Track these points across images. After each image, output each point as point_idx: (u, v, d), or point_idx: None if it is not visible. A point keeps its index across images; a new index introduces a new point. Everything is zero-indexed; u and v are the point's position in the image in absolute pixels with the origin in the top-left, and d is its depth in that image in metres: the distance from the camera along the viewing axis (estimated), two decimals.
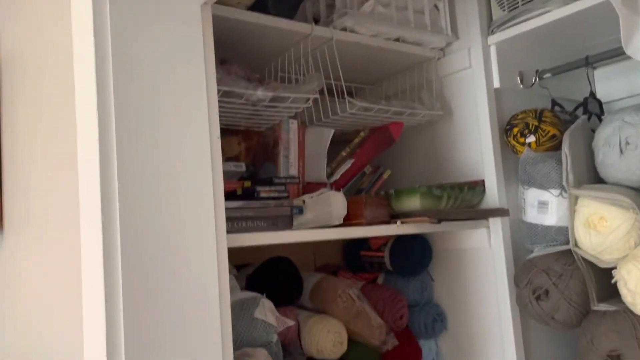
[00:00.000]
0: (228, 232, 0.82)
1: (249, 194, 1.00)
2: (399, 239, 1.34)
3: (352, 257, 1.46)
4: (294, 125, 1.16)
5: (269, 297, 1.00)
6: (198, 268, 0.78)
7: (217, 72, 0.83)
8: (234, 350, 0.88)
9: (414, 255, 1.31)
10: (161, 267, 0.75)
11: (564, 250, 1.09)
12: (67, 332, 0.86)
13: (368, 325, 1.18)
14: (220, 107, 0.87)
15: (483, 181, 1.24)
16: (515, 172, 1.25)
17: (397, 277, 1.36)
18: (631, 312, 0.97)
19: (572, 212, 1.06)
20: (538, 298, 1.06)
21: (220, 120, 0.82)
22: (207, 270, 0.79)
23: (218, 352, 0.79)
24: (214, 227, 0.81)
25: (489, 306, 1.23)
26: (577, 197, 1.07)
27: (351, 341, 1.18)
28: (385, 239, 1.38)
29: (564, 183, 1.07)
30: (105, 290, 0.71)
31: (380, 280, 1.40)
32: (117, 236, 0.72)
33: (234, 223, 0.93)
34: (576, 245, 1.06)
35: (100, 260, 0.71)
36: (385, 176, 1.32)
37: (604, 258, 1.02)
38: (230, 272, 0.98)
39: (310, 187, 1.13)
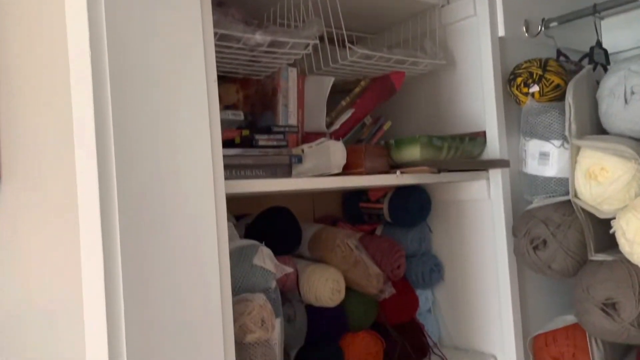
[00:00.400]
0: (226, 179, 0.81)
1: (247, 143, 0.99)
2: (398, 190, 1.34)
3: (351, 208, 1.46)
4: (293, 73, 1.14)
5: (267, 245, 1.01)
6: (196, 214, 0.78)
7: (214, 13, 0.80)
8: (233, 296, 0.89)
9: (413, 206, 1.31)
10: (159, 214, 0.74)
11: (564, 201, 1.08)
12: (65, 277, 0.86)
13: (366, 274, 1.19)
14: (217, 52, 0.84)
15: (484, 132, 1.22)
16: (517, 124, 1.23)
17: (396, 229, 1.37)
18: (628, 261, 0.98)
19: (573, 162, 1.06)
20: (536, 248, 1.06)
21: (217, 67, 0.80)
22: (205, 216, 0.79)
23: (217, 298, 0.80)
24: (211, 174, 0.80)
25: (486, 257, 1.24)
26: (578, 148, 1.06)
27: (349, 290, 1.20)
28: (384, 190, 1.37)
29: (566, 133, 1.06)
30: (102, 237, 0.70)
31: (378, 231, 1.41)
32: (114, 182, 0.71)
33: (232, 171, 0.92)
34: (576, 196, 1.06)
35: (97, 209, 0.71)
36: (385, 127, 1.31)
37: (603, 209, 1.02)
38: (229, 221, 0.98)
39: (310, 137, 1.11)
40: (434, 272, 1.32)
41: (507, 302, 1.19)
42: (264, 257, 0.97)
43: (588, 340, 1.05)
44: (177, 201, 0.76)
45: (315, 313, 1.15)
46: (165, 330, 0.74)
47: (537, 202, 1.13)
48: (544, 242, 1.06)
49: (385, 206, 1.36)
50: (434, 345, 1.30)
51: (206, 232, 0.79)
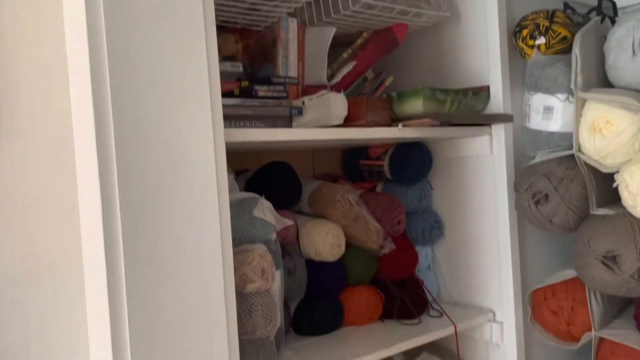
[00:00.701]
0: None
1: (246, 94, 0.97)
2: (400, 146, 1.33)
3: (352, 166, 1.45)
4: (293, 23, 1.11)
5: (267, 200, 1.00)
6: (196, 162, 0.77)
7: None
8: (233, 247, 0.89)
9: (414, 163, 1.30)
10: (158, 163, 0.73)
11: (567, 155, 1.07)
12: (63, 233, 0.86)
13: (366, 229, 1.19)
14: None
15: (488, 87, 1.20)
16: (521, 79, 1.21)
17: (396, 186, 1.36)
18: (630, 215, 0.97)
19: (577, 116, 1.04)
20: (537, 202, 1.06)
21: (215, 15, 0.78)
22: (205, 165, 0.78)
23: (217, 247, 0.79)
24: (210, 122, 0.79)
25: (487, 213, 1.24)
26: (584, 101, 1.04)
27: (349, 245, 1.20)
28: (385, 147, 1.36)
29: (572, 86, 1.04)
30: (101, 189, 0.69)
31: (379, 189, 1.40)
32: (111, 129, 0.70)
33: (232, 122, 0.90)
34: (579, 150, 1.05)
35: (95, 157, 0.69)
36: (387, 83, 1.28)
37: (606, 162, 1.01)
38: (228, 173, 0.97)
39: (310, 90, 1.09)
40: (434, 228, 1.32)
41: (506, 258, 1.19)
42: (264, 209, 0.96)
43: (587, 294, 1.05)
44: (176, 149, 0.75)
45: (315, 267, 1.15)
46: (165, 279, 0.73)
47: (540, 157, 1.11)
48: (546, 196, 1.05)
49: (385, 163, 1.34)
50: (432, 301, 1.30)
51: (206, 181, 0.78)
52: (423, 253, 1.35)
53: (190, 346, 0.75)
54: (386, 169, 1.34)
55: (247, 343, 0.88)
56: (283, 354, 1.02)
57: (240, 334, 0.87)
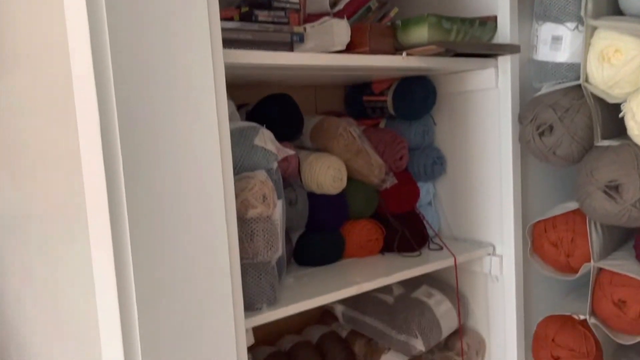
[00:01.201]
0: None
1: (246, 19, 0.95)
2: (403, 81, 1.31)
3: (354, 103, 1.43)
4: None
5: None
6: (195, 84, 0.75)
7: None
8: (234, 175, 0.88)
9: (417, 97, 1.28)
10: (157, 87, 0.72)
11: (574, 86, 1.05)
12: (64, 172, 0.85)
13: (368, 163, 1.19)
14: None
15: (495, 17, 1.17)
16: (529, 10, 1.17)
17: (399, 122, 1.35)
18: (635, 145, 0.96)
19: (586, 45, 1.01)
20: (541, 134, 1.04)
21: None
22: (204, 86, 0.77)
23: (218, 175, 0.79)
24: (209, 42, 0.77)
25: (490, 147, 1.23)
26: (594, 29, 1.01)
27: (351, 179, 1.20)
28: (388, 82, 1.34)
29: (582, 13, 1.01)
30: (100, 119, 0.69)
31: (382, 125, 1.39)
32: (108, 56, 0.68)
33: (232, 47, 0.88)
34: (586, 80, 1.03)
35: (92, 85, 0.68)
36: (392, 14, 1.24)
37: (614, 93, 0.99)
38: (229, 100, 0.96)
39: (312, 18, 1.06)
40: (436, 164, 1.32)
41: (508, 192, 1.19)
42: (265, 138, 0.95)
43: (587, 225, 1.05)
44: (174, 72, 0.73)
45: (316, 200, 1.16)
46: (167, 204, 0.73)
47: (546, 89, 1.09)
48: (551, 127, 1.04)
49: (389, 98, 1.33)
50: (433, 235, 1.31)
51: (206, 102, 0.77)
52: (424, 189, 1.35)
53: (192, 268, 0.76)
54: (389, 104, 1.33)
55: (249, 267, 0.89)
56: (284, 281, 1.04)
57: (242, 258, 0.88)
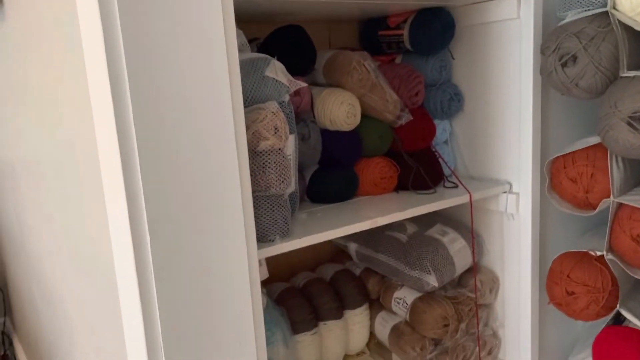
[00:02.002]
0: None
1: None
2: (420, 13, 1.25)
3: (370, 38, 1.39)
4: None
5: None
6: (201, 6, 0.73)
7: None
8: (245, 107, 0.86)
9: (435, 30, 1.23)
10: (162, 12, 0.69)
11: (600, 13, 1.00)
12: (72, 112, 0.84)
13: (382, 99, 1.16)
14: None
15: None
16: None
17: (416, 57, 1.31)
18: None
19: None
20: (564, 64, 1.00)
21: None
22: (210, 10, 0.74)
23: (228, 105, 0.77)
24: None
25: (510, 83, 1.19)
26: None
27: (365, 116, 1.17)
28: (405, 15, 1.29)
29: None
30: (106, 55, 0.67)
31: (398, 60, 1.35)
32: None
33: None
34: (614, 7, 0.97)
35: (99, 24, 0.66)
36: None
37: None
38: (240, 38, 0.93)
39: None
40: (453, 101, 1.28)
41: (527, 128, 1.16)
42: (277, 70, 0.93)
43: (609, 160, 1.02)
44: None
45: (330, 137, 1.14)
46: (176, 138, 0.72)
47: (571, 17, 1.04)
48: (574, 57, 0.99)
49: (405, 32, 1.28)
50: (449, 174, 1.30)
51: (213, 29, 0.74)
52: (441, 127, 1.32)
53: (204, 199, 0.75)
54: (405, 38, 1.28)
55: (262, 199, 0.89)
56: (298, 217, 1.04)
57: (254, 191, 0.87)
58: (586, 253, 1.09)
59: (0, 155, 1.64)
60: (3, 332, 2.17)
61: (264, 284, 1.22)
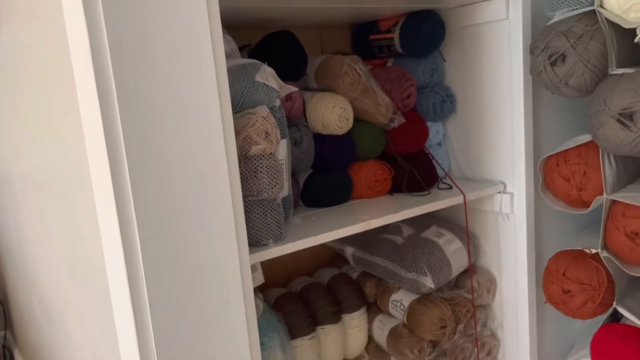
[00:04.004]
0: None
1: None
2: (410, 17, 1.26)
3: (361, 42, 1.40)
4: None
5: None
6: (186, 11, 0.73)
7: None
8: (235, 113, 0.87)
9: (426, 32, 1.24)
10: (149, 15, 0.70)
11: (587, 11, 1.00)
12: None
13: (375, 102, 1.16)
14: None
15: None
16: None
17: (407, 60, 1.31)
18: None
19: None
20: (553, 64, 1.01)
21: None
22: (196, 15, 0.74)
23: (216, 110, 0.77)
24: None
25: (501, 82, 1.19)
26: None
27: (357, 120, 1.18)
28: (396, 19, 1.30)
29: None
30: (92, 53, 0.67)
31: (389, 64, 1.35)
32: None
33: None
34: (601, 5, 0.98)
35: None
36: None
37: (629, 17, 0.94)
38: (230, 44, 0.94)
39: None
40: (445, 102, 1.29)
41: (519, 128, 1.16)
42: (267, 75, 0.93)
43: (600, 157, 1.03)
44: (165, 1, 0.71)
45: (322, 141, 1.14)
46: (164, 143, 0.72)
47: (559, 16, 1.04)
48: (563, 56, 1.00)
49: (396, 35, 1.29)
50: (443, 175, 1.30)
51: (199, 33, 0.74)
52: (434, 129, 1.33)
53: (194, 204, 0.75)
54: (396, 41, 1.29)
55: (254, 204, 0.89)
56: (292, 221, 1.04)
57: (247, 196, 0.88)
58: (581, 251, 1.09)
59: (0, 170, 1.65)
60: (4, 346, 2.17)
61: (261, 289, 1.22)
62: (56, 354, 1.40)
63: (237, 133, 0.85)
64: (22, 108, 1.20)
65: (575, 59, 0.98)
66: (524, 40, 1.12)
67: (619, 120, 0.93)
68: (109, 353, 0.90)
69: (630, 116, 0.92)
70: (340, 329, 1.24)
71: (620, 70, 0.97)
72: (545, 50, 1.02)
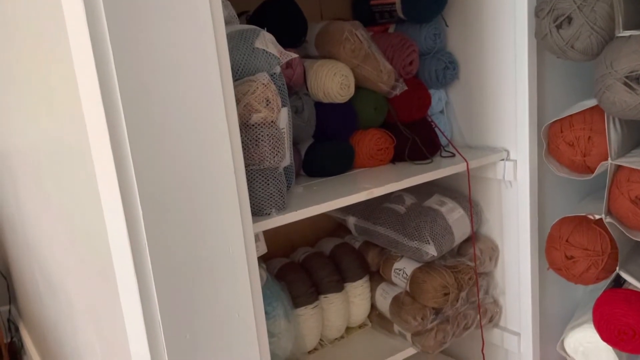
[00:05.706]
0: None
1: None
2: None
3: (362, 8, 1.36)
4: None
5: None
6: None
7: None
8: (235, 81, 0.85)
9: None
10: None
11: None
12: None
13: (376, 69, 1.14)
14: None
15: None
16: None
17: (409, 26, 1.28)
18: None
19: None
20: (559, 26, 0.98)
21: None
22: None
23: (216, 77, 0.75)
24: None
25: (505, 49, 1.17)
26: None
27: (359, 88, 1.16)
28: None
29: None
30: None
31: (391, 30, 1.32)
32: None
33: None
34: None
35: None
36: None
37: None
38: (228, 10, 0.91)
39: None
40: (448, 69, 1.26)
41: (523, 94, 1.15)
42: (266, 41, 0.91)
43: (606, 122, 1.01)
44: None
45: (324, 110, 1.13)
46: (165, 114, 0.71)
47: None
48: (569, 18, 0.97)
49: None
50: (446, 143, 1.28)
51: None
52: (436, 97, 1.31)
53: (196, 174, 0.74)
54: (398, 6, 1.26)
55: (256, 173, 0.88)
56: (294, 191, 1.03)
57: (248, 165, 0.87)
58: (585, 217, 1.09)
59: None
60: (9, 320, 2.18)
61: (264, 259, 1.22)
62: (60, 325, 1.41)
63: (238, 101, 0.83)
64: (19, 83, 1.18)
65: (582, 21, 0.96)
66: (528, 2, 1.09)
67: (625, 84, 0.91)
68: (113, 322, 0.90)
69: (637, 79, 0.91)
70: (343, 297, 1.24)
71: (628, 33, 0.95)
72: (550, 13, 0.99)
